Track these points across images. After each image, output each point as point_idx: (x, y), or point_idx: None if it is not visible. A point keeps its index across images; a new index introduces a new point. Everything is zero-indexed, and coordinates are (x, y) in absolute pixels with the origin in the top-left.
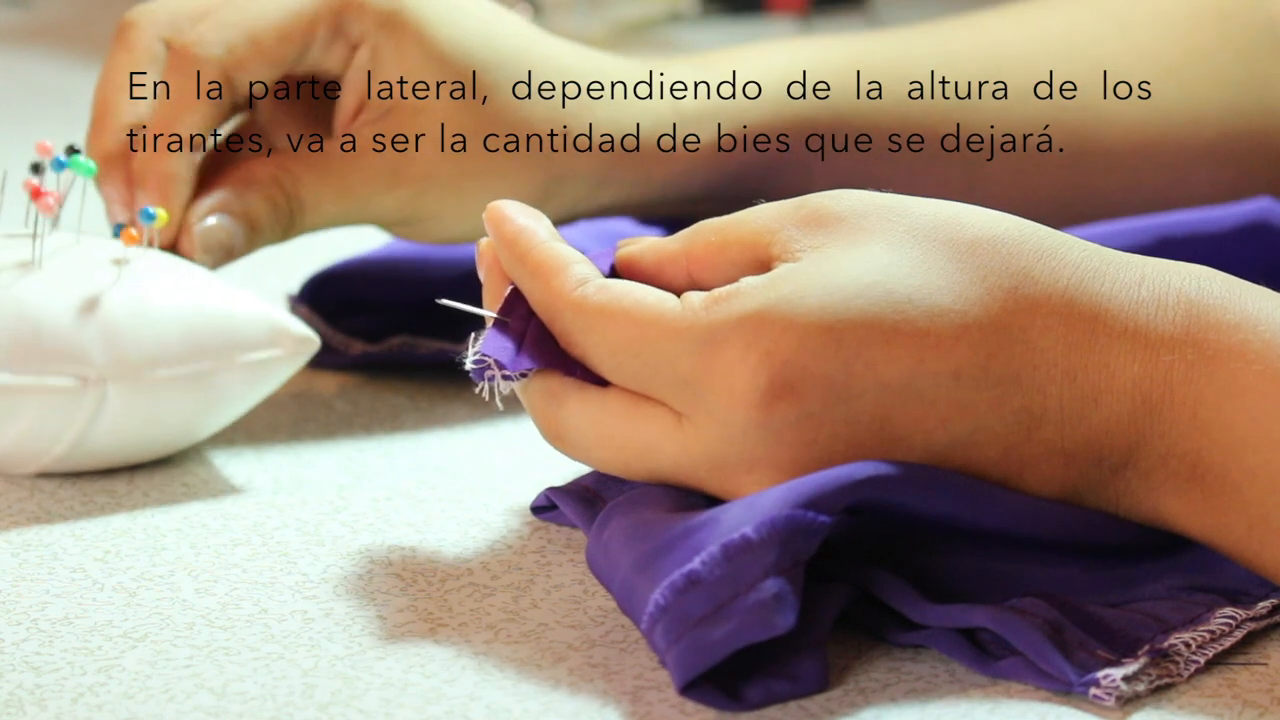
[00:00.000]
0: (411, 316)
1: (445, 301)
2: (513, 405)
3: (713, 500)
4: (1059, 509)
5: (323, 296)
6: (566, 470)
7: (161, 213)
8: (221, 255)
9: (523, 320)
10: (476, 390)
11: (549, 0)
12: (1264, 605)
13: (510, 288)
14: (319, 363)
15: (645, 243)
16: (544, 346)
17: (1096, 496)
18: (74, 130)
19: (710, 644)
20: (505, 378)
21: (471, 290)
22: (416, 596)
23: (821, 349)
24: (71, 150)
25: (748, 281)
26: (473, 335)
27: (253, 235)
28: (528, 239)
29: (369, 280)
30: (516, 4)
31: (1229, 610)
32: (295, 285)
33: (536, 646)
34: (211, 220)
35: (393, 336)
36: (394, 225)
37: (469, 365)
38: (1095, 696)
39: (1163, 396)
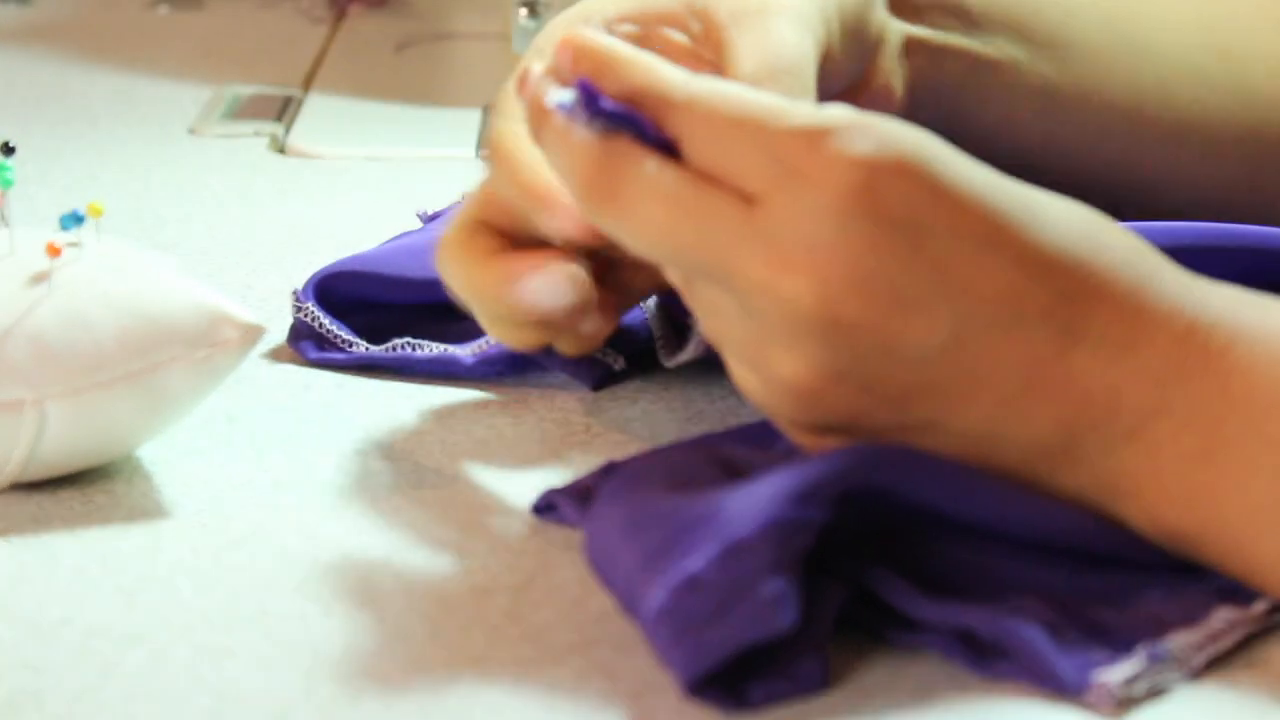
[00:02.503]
0: (415, 317)
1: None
2: (513, 406)
3: (714, 468)
4: (1047, 506)
5: (328, 294)
6: (566, 470)
7: (96, 205)
8: None
9: (599, 101)
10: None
11: (548, 0)
12: (1261, 606)
13: (579, 81)
14: (320, 362)
15: None
16: (633, 111)
17: (1090, 466)
18: (71, 129)
19: (713, 645)
20: (590, 120)
21: None
22: (416, 596)
23: (922, 172)
24: (7, 149)
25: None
26: (554, 84)
27: None
28: (616, 46)
29: (374, 279)
30: (516, 5)
31: (1228, 610)
32: (300, 282)
33: (537, 647)
34: None
35: (395, 337)
36: None
37: (555, 100)
38: (1093, 698)
39: (1196, 364)
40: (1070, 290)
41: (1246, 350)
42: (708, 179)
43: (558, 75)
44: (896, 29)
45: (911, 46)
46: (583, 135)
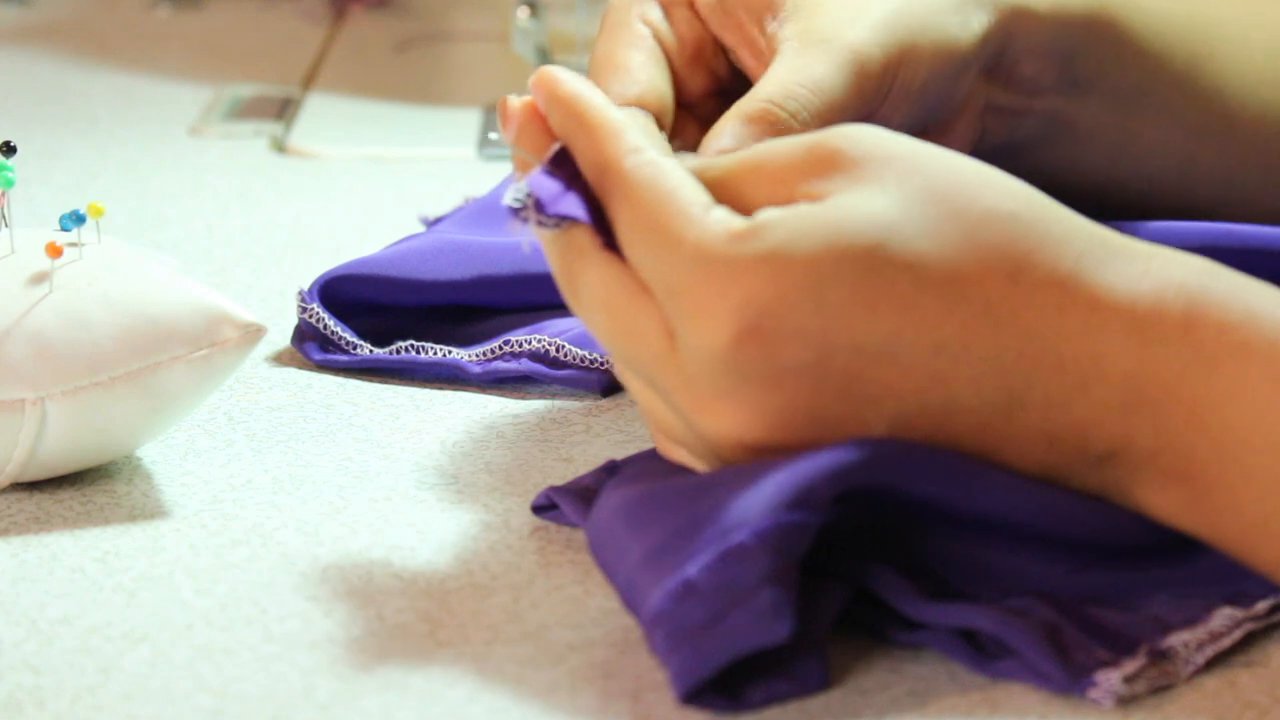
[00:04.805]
0: (419, 320)
1: (495, 135)
2: (513, 406)
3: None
4: (1048, 496)
5: (332, 296)
6: (566, 470)
7: (97, 206)
8: None
9: (569, 177)
10: (512, 228)
11: (549, 0)
12: (1263, 605)
13: (558, 145)
14: (322, 363)
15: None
16: (587, 203)
17: (1080, 483)
18: (71, 129)
19: (709, 654)
20: (540, 223)
21: (484, 294)
22: (416, 596)
23: (800, 307)
24: (8, 149)
25: (764, 215)
26: (516, 174)
27: None
28: (587, 99)
29: (378, 282)
30: (516, 5)
31: (1228, 610)
32: (300, 282)
33: (536, 647)
34: None
35: (399, 340)
36: None
37: (507, 202)
38: (1094, 697)
39: (1158, 392)
40: (997, 360)
41: (1204, 373)
42: (641, 282)
43: (526, 118)
44: (982, 93)
45: (992, 111)
46: (539, 234)
